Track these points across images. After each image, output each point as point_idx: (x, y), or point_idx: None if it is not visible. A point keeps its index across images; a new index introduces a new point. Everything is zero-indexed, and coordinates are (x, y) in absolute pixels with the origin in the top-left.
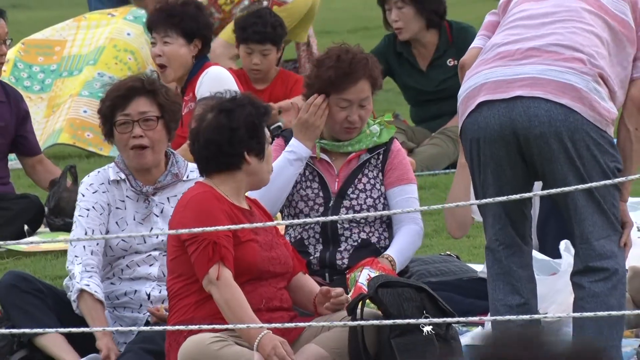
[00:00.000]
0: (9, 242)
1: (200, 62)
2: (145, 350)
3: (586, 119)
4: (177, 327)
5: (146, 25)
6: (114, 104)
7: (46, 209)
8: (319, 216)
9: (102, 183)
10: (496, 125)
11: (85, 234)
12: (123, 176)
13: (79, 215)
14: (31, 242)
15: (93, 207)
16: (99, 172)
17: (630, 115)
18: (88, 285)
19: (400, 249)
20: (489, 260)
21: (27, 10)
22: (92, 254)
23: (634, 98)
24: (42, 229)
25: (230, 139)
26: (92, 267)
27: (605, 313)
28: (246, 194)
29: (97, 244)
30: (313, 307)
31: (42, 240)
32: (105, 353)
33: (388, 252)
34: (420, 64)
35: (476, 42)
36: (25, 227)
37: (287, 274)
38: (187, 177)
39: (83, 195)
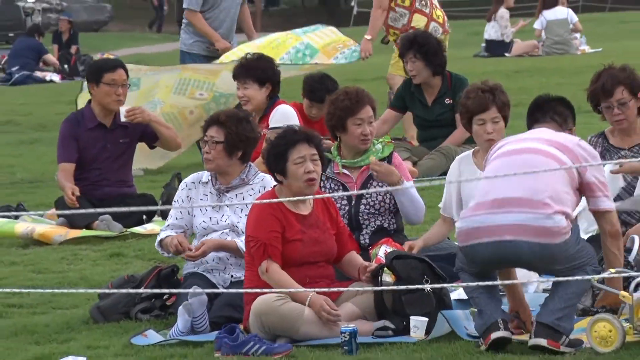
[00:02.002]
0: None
1: (273, 100)
2: (226, 304)
3: (555, 245)
4: (253, 290)
5: (233, 74)
6: (203, 127)
7: (160, 204)
8: (344, 214)
9: (193, 182)
10: (490, 256)
11: (169, 217)
12: (210, 178)
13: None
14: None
15: (176, 200)
16: (198, 173)
17: (609, 242)
18: (163, 234)
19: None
20: None
21: (146, 64)
22: (171, 229)
23: (605, 231)
24: (156, 218)
25: (266, 163)
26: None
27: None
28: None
29: (177, 220)
30: (358, 276)
31: (146, 227)
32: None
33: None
34: (427, 100)
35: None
36: (144, 217)
37: (328, 260)
38: (252, 182)
39: (179, 189)
